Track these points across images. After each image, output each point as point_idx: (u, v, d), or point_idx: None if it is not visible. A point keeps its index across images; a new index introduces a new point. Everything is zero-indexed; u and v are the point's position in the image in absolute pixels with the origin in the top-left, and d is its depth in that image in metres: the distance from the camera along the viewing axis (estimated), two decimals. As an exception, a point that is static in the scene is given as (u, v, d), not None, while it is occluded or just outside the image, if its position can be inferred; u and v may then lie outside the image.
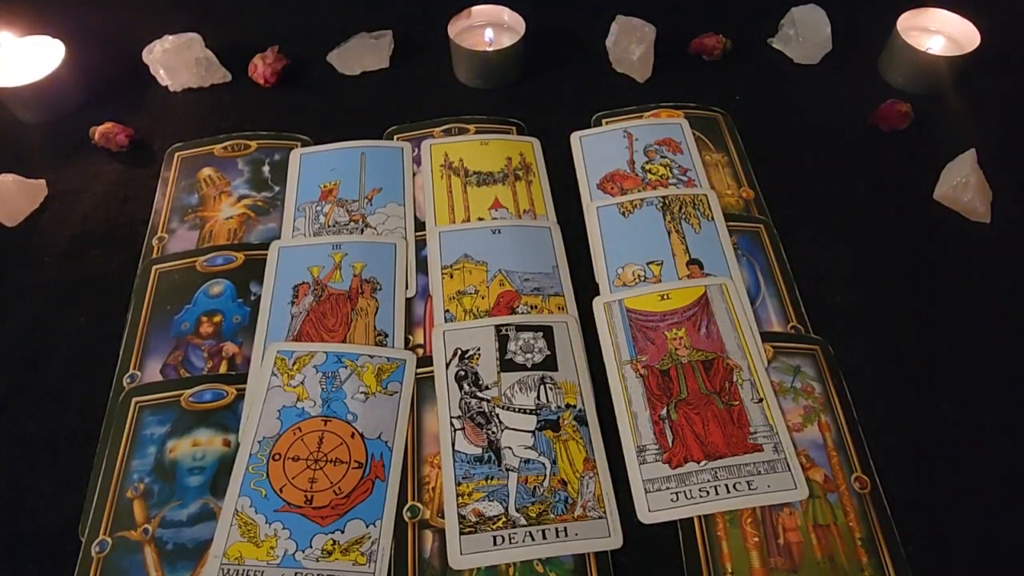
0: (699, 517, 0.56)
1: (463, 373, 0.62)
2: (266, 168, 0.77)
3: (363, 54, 0.87)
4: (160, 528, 0.55)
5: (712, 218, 0.72)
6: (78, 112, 0.81)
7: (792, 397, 0.61)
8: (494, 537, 0.54)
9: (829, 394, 0.62)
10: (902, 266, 0.70)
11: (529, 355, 0.63)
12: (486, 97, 0.85)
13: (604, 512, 0.56)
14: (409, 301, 0.67)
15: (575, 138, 0.80)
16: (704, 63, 0.88)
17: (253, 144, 0.79)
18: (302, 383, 0.61)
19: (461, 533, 0.55)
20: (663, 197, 0.73)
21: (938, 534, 0.56)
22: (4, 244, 0.72)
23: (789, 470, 0.57)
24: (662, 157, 0.78)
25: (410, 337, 0.65)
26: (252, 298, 0.67)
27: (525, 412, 0.60)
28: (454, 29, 0.84)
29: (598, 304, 0.67)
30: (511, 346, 0.64)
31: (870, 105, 0.81)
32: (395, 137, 0.80)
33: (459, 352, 0.63)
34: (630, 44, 0.85)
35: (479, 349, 0.63)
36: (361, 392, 0.61)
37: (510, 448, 0.58)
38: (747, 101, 0.84)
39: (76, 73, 0.82)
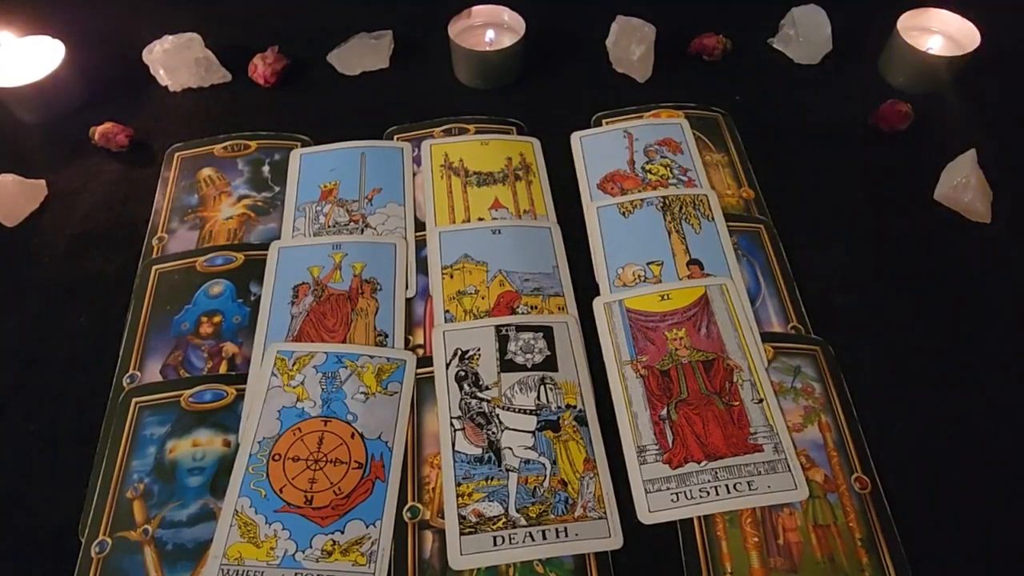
0: (699, 517, 0.56)
1: (463, 373, 0.62)
2: (266, 168, 0.77)
3: (363, 54, 0.87)
4: (160, 528, 0.55)
5: (712, 218, 0.72)
6: (78, 112, 0.81)
7: (792, 397, 0.61)
8: (494, 537, 0.54)
9: (829, 394, 0.62)
10: (902, 266, 0.70)
11: (529, 355, 0.63)
12: (486, 97, 0.85)
13: (604, 512, 0.56)
14: (409, 301, 0.67)
15: (575, 138, 0.80)
16: (704, 63, 0.88)
17: (253, 144, 0.79)
18: (302, 383, 0.61)
19: (461, 533, 0.55)
20: (663, 197, 0.73)
21: (938, 534, 0.56)
22: (4, 244, 0.72)
23: (789, 470, 0.57)
24: (662, 157, 0.78)
25: (410, 337, 0.65)
26: (252, 298, 0.67)
27: (525, 412, 0.60)
28: (454, 29, 0.84)
29: (598, 304, 0.67)
30: (511, 346, 0.64)
31: (870, 105, 0.81)
32: (395, 137, 0.80)
33: (459, 352, 0.63)
34: (630, 44, 0.85)
35: (479, 349, 0.63)
36: (361, 392, 0.61)
37: (510, 448, 0.58)
38: (747, 101, 0.84)
39: (76, 73, 0.82)
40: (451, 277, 0.68)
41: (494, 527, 0.55)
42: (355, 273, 0.68)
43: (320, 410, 0.60)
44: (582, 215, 0.74)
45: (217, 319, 0.65)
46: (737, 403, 0.61)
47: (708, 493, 0.56)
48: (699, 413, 0.60)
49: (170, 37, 0.84)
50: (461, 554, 0.54)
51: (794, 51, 0.88)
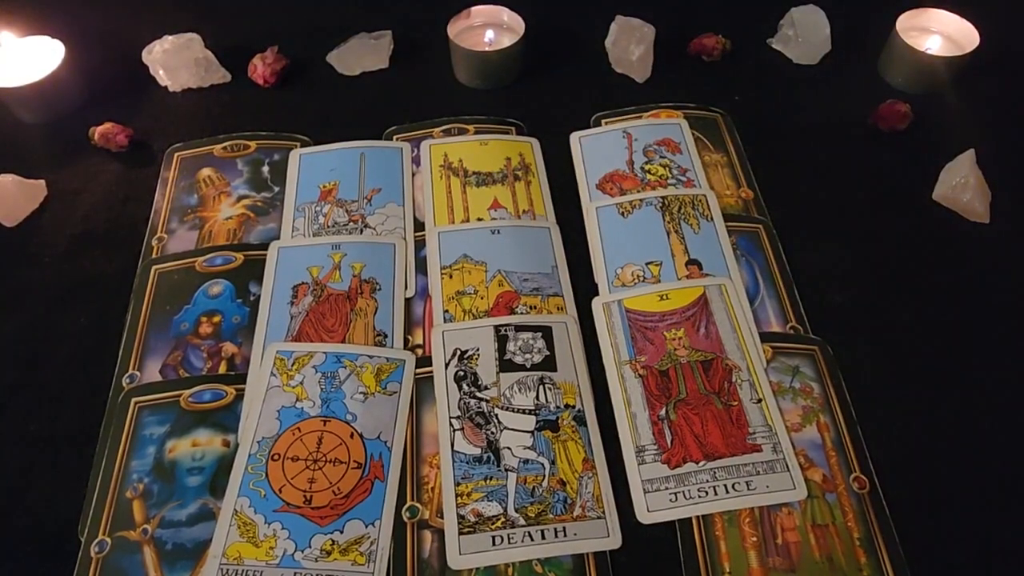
0: (697, 517, 0.56)
1: (462, 373, 0.62)
2: (265, 168, 0.77)
3: (363, 54, 0.87)
4: (159, 528, 0.55)
5: (711, 218, 0.72)
6: (78, 112, 0.81)
7: (791, 397, 0.62)
8: (493, 537, 0.54)
9: (828, 394, 0.62)
10: (901, 266, 0.70)
11: (528, 355, 0.63)
12: (486, 97, 0.85)
13: (603, 512, 0.56)
14: (408, 301, 0.68)
15: (574, 138, 0.80)
16: (703, 63, 0.88)
17: (252, 144, 0.79)
18: (301, 383, 0.61)
19: (460, 533, 0.55)
20: (662, 197, 0.74)
21: (937, 534, 0.56)
22: (4, 244, 0.72)
23: (788, 470, 0.57)
24: (661, 157, 0.78)
25: (409, 337, 0.65)
26: (251, 298, 0.67)
27: (524, 412, 0.60)
28: (454, 29, 0.84)
29: (597, 304, 0.67)
30: (510, 346, 0.64)
31: (869, 105, 0.81)
32: (395, 137, 0.80)
33: (458, 352, 0.63)
34: (630, 44, 0.85)
35: (478, 349, 0.63)
36: (360, 392, 0.61)
37: (509, 448, 0.58)
38: (746, 101, 0.84)
39: (76, 73, 0.82)
40: (450, 277, 0.68)
41: (493, 527, 0.55)
42: (354, 273, 0.68)
43: (319, 410, 0.60)
44: (581, 215, 0.74)
45: (216, 319, 0.66)
46: (736, 403, 0.61)
47: (707, 493, 0.56)
48: (698, 413, 0.60)
49: (170, 37, 0.84)
50: (460, 554, 0.54)
51: (793, 51, 0.89)
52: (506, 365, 0.63)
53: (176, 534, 0.54)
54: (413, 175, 0.77)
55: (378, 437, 0.59)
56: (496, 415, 0.60)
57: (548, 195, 0.76)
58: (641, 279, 0.68)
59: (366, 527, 0.55)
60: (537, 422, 0.60)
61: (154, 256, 0.70)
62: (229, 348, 0.64)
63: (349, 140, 0.79)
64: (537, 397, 0.61)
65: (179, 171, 0.77)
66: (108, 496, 0.56)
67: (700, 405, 0.61)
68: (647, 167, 0.77)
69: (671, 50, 0.88)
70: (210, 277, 0.68)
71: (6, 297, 0.68)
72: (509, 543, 0.54)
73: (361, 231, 0.72)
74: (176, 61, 0.84)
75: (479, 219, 0.73)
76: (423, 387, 0.62)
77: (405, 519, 0.56)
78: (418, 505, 0.56)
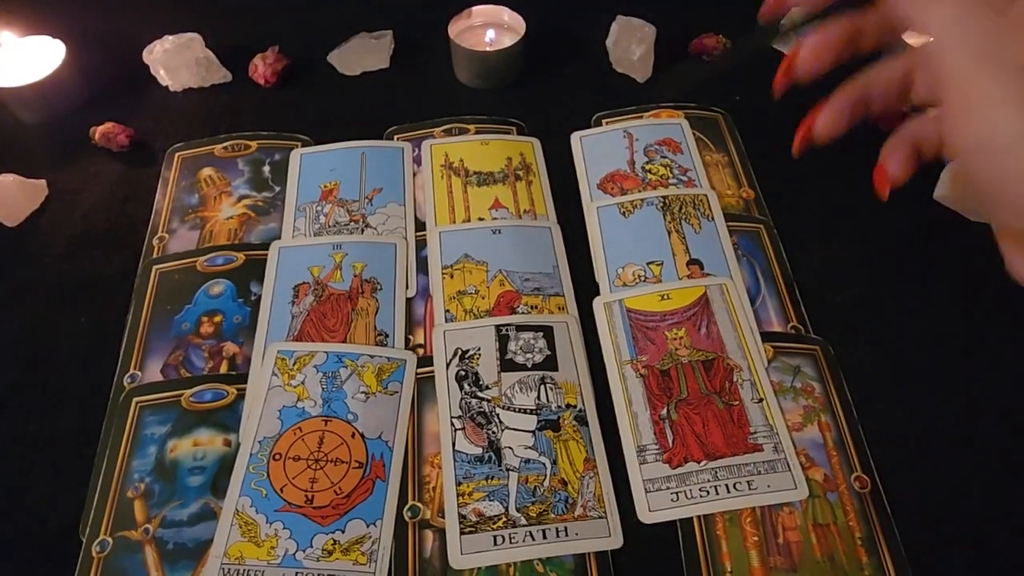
0: (699, 517, 0.56)
1: (463, 373, 0.62)
2: (266, 168, 0.77)
3: (363, 54, 0.87)
4: (161, 528, 0.55)
5: (712, 218, 0.72)
6: (78, 112, 0.81)
7: (792, 397, 0.62)
8: (494, 537, 0.54)
9: (829, 394, 0.62)
10: (902, 266, 0.70)
11: (529, 355, 0.63)
12: (486, 97, 0.85)
13: (604, 512, 0.56)
14: (409, 301, 0.67)
15: (575, 138, 0.80)
16: (704, 63, 0.88)
17: (253, 144, 0.79)
18: (302, 383, 0.61)
19: (461, 533, 0.55)
20: (663, 197, 0.74)
21: (938, 533, 0.56)
22: (4, 244, 0.72)
23: (789, 470, 0.57)
24: (662, 157, 0.78)
25: (410, 337, 0.65)
26: (252, 298, 0.67)
27: (525, 412, 0.60)
28: (454, 29, 0.84)
29: (598, 304, 0.67)
30: (511, 346, 0.64)
31: (870, 105, 0.81)
32: (395, 137, 0.80)
33: (459, 352, 0.63)
34: (630, 44, 0.85)
35: (479, 349, 0.63)
36: (362, 392, 0.61)
37: (510, 448, 0.58)
38: (747, 101, 0.84)
39: (76, 73, 0.82)
40: (451, 277, 0.68)
41: (494, 526, 0.55)
42: (355, 273, 0.68)
43: (320, 409, 0.60)
44: (582, 215, 0.74)
45: (218, 319, 0.65)
46: (737, 403, 0.61)
47: (708, 492, 0.56)
48: (699, 413, 0.60)
49: (170, 37, 0.84)
50: (461, 553, 0.54)
51: (794, 51, 0.88)
52: (507, 365, 0.63)
53: (177, 534, 0.54)
54: (414, 175, 0.77)
55: (379, 437, 0.59)
56: (497, 415, 0.60)
57: (549, 195, 0.76)
58: (642, 279, 0.68)
59: (367, 527, 0.55)
60: (538, 422, 0.60)
61: (155, 256, 0.70)
62: (230, 348, 0.64)
63: (350, 140, 0.79)
64: (538, 397, 0.61)
65: (180, 171, 0.77)
66: (109, 496, 0.56)
67: (701, 405, 0.61)
68: (648, 167, 0.77)
69: (672, 50, 0.88)
70: (211, 277, 0.68)
71: (6, 297, 0.68)
72: (511, 543, 0.54)
73: (362, 231, 0.72)
74: (177, 61, 0.84)
75: (480, 219, 0.73)
76: (424, 387, 0.62)
77: (406, 519, 0.56)
78: (419, 505, 0.56)
